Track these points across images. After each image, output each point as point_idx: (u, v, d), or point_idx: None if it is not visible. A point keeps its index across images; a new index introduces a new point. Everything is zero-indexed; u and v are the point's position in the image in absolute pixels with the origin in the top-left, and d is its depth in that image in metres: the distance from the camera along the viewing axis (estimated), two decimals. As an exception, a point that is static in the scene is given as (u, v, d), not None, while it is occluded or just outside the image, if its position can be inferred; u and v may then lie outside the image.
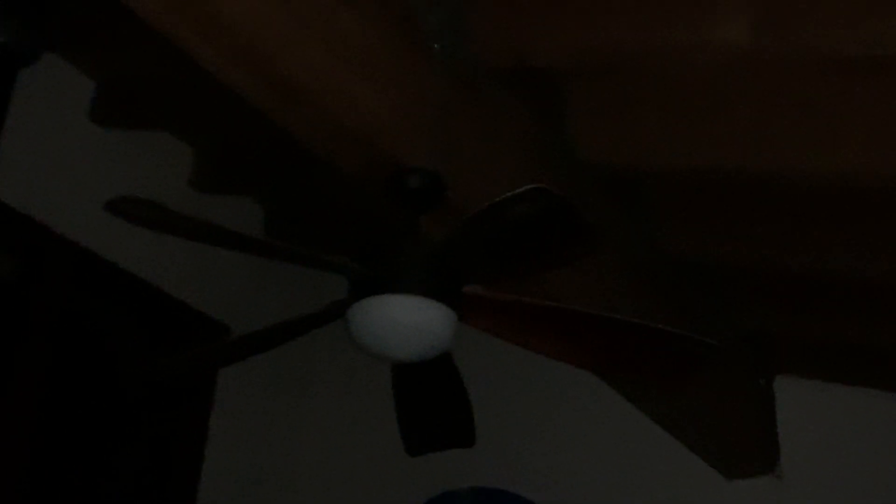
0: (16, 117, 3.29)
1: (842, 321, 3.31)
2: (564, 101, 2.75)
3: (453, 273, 2.32)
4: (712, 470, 3.64)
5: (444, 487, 3.98)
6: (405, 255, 2.33)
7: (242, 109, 2.72)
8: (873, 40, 2.20)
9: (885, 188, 2.65)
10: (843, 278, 3.07)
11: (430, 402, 2.67)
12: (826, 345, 3.54)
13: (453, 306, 2.33)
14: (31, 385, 3.31)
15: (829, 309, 3.28)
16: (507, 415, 3.97)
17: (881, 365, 3.48)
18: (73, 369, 3.50)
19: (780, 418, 3.74)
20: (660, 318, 3.09)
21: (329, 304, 2.44)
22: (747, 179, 2.85)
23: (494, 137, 2.66)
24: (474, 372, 3.74)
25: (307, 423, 4.31)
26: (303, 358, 4.22)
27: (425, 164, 2.39)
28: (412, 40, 2.46)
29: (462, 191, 2.49)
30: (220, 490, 3.90)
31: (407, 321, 2.29)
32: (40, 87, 3.42)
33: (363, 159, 2.45)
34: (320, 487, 4.19)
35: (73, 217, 3.47)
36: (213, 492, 3.87)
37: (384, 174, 2.40)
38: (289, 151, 3.37)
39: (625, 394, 3.36)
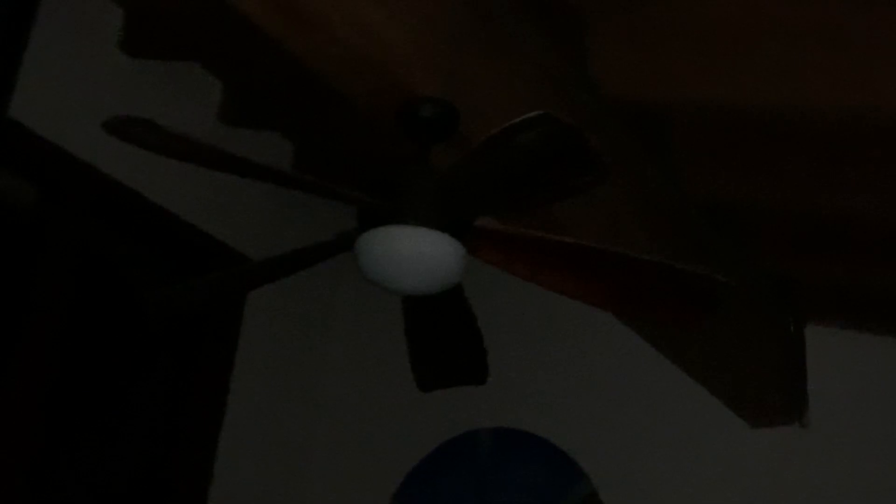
0: (43, 44, 3.24)
1: (873, 268, 3.18)
2: (587, 33, 2.63)
3: (462, 205, 2.24)
4: (736, 417, 3.53)
5: (464, 428, 3.92)
6: (413, 186, 2.26)
7: (273, 42, 2.65)
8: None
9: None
10: (874, 223, 2.94)
11: (441, 337, 2.60)
12: (858, 294, 3.42)
13: (461, 238, 2.25)
14: (49, 312, 3.27)
15: (858, 255, 3.15)
16: (530, 355, 3.91)
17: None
18: (93, 298, 3.46)
19: (809, 367, 3.63)
20: (683, 260, 3.00)
21: (337, 234, 2.37)
22: (775, 117, 2.72)
23: (512, 70, 2.55)
24: (495, 310, 3.70)
25: (329, 360, 4.27)
26: (326, 294, 4.17)
27: (438, 95, 2.30)
28: (426, -35, 2.35)
29: (476, 123, 2.39)
30: (243, 425, 3.88)
31: (412, 253, 2.23)
32: (69, 14, 3.37)
33: (373, 88, 2.36)
34: (340, 425, 4.15)
35: (98, 145, 3.40)
36: (236, 427, 3.84)
37: (395, 104, 2.31)
38: (318, 85, 3.31)
39: (646, 336, 3.26)
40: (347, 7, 2.24)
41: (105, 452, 3.53)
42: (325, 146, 4.07)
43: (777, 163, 2.84)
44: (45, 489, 3.28)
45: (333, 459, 4.10)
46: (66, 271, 3.31)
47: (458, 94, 2.34)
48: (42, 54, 3.24)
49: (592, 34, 2.65)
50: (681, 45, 2.62)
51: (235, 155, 2.14)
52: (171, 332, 3.77)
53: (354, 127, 3.74)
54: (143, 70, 3.62)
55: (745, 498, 3.52)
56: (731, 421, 3.55)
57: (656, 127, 2.87)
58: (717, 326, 3.27)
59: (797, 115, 2.60)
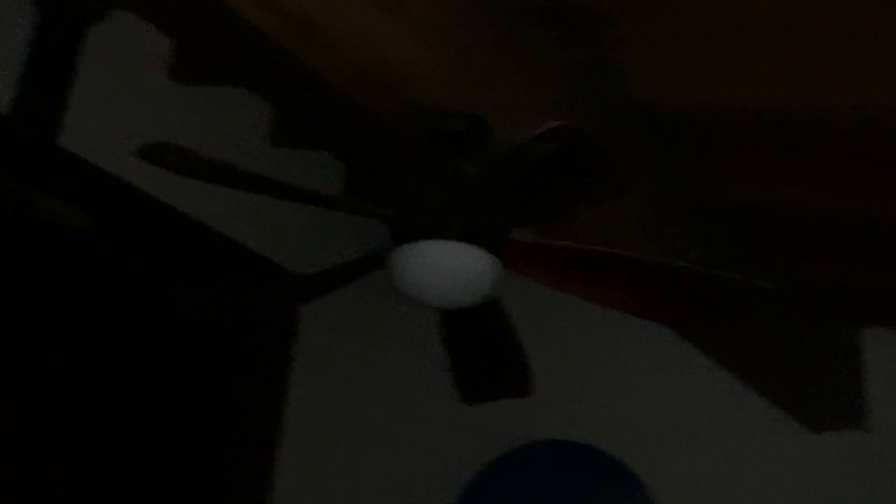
0: (92, 72, 3.33)
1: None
2: (613, 39, 2.62)
3: (492, 217, 2.26)
4: (794, 422, 3.49)
5: (520, 439, 3.91)
6: (442, 201, 2.29)
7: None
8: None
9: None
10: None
11: (481, 350, 2.62)
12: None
13: (493, 251, 2.27)
14: (103, 337, 3.37)
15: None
16: (584, 365, 3.89)
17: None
18: (147, 322, 3.54)
19: (869, 371, 3.57)
20: (724, 264, 2.98)
21: (370, 251, 2.40)
22: (804, 119, 2.68)
23: (538, 76, 2.56)
24: (547, 319, 3.71)
25: (382, 372, 4.28)
26: (379, 303, 4.18)
27: (462, 107, 2.32)
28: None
29: (504, 133, 2.41)
30: (299, 438, 3.93)
31: (444, 267, 2.26)
32: (117, 44, 3.45)
33: (392, 103, 2.39)
34: (396, 437, 4.17)
35: (151, 172, 3.49)
36: (293, 439, 3.90)
37: (415, 118, 2.34)
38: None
39: (699, 344, 3.24)
40: (364, 25, 2.27)
41: (161, 467, 3.60)
42: (374, 163, 4.10)
43: (816, 165, 2.80)
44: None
45: (389, 472, 4.12)
46: (119, 295, 3.41)
47: (483, 104, 2.36)
48: (91, 82, 3.33)
49: (620, 39, 2.64)
50: (709, 48, 2.60)
51: (265, 176, 2.18)
52: (227, 348, 3.83)
53: (390, 137, 3.79)
54: (193, 96, 3.70)
55: (807, 504, 3.47)
56: (791, 427, 3.50)
57: (689, 129, 2.85)
58: (771, 332, 3.24)
59: (825, 117, 2.57)
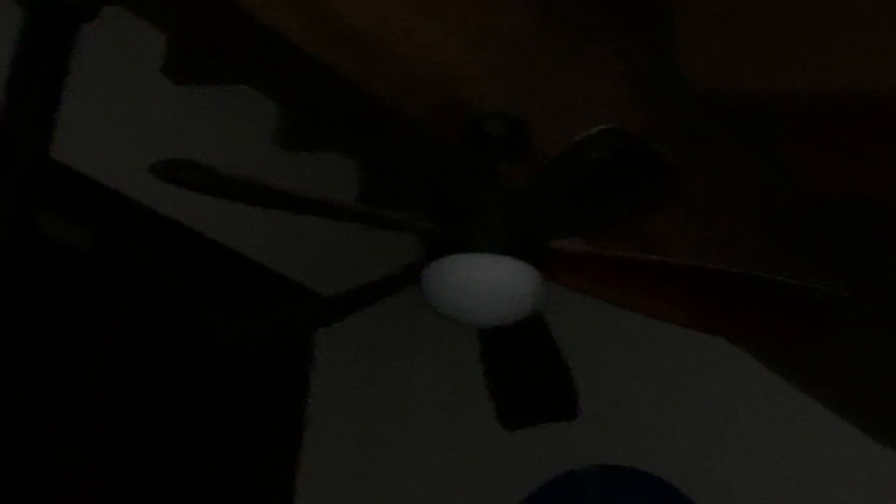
0: (83, 78, 3.40)
1: None
2: (668, 22, 2.69)
3: (534, 227, 2.33)
4: (864, 436, 3.55)
5: (563, 468, 3.97)
6: (480, 209, 2.35)
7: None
8: None
9: None
10: None
11: (523, 371, 2.69)
12: None
13: (535, 263, 2.34)
14: (113, 358, 3.49)
15: None
16: (634, 384, 3.95)
17: None
18: (158, 340, 3.65)
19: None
20: (801, 265, 3.04)
21: (402, 267, 2.47)
22: (888, 104, 2.75)
23: (588, 72, 2.64)
24: (593, 334, 3.77)
25: (412, 399, 4.34)
26: (408, 324, 4.25)
27: (505, 108, 2.39)
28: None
29: (551, 134, 2.48)
30: (320, 470, 4.01)
31: (482, 282, 2.32)
32: (108, 44, 3.52)
33: (433, 106, 2.47)
34: (427, 467, 4.23)
35: (149, 183, 3.57)
36: (313, 471, 3.99)
37: (457, 121, 2.41)
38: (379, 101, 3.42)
39: (761, 358, 3.30)
40: (399, 23, 2.35)
41: (174, 495, 3.71)
42: (394, 163, 4.16)
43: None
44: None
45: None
46: (128, 314, 3.52)
47: (528, 104, 2.43)
48: (82, 89, 3.40)
49: (677, 25, 2.71)
50: (777, 29, 2.67)
51: (289, 191, 2.27)
52: (242, 371, 3.92)
53: (422, 141, 3.86)
54: (191, 96, 3.77)
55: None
56: (859, 441, 3.57)
57: (757, 119, 2.91)
58: (849, 340, 3.29)
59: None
